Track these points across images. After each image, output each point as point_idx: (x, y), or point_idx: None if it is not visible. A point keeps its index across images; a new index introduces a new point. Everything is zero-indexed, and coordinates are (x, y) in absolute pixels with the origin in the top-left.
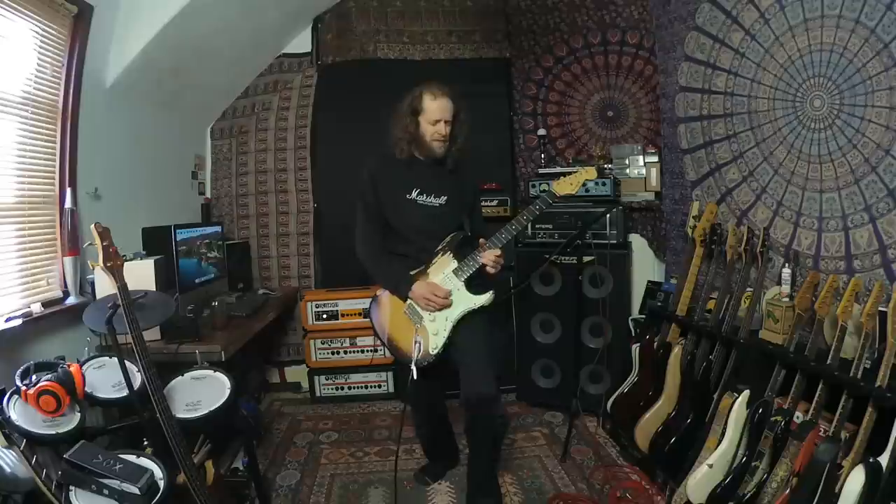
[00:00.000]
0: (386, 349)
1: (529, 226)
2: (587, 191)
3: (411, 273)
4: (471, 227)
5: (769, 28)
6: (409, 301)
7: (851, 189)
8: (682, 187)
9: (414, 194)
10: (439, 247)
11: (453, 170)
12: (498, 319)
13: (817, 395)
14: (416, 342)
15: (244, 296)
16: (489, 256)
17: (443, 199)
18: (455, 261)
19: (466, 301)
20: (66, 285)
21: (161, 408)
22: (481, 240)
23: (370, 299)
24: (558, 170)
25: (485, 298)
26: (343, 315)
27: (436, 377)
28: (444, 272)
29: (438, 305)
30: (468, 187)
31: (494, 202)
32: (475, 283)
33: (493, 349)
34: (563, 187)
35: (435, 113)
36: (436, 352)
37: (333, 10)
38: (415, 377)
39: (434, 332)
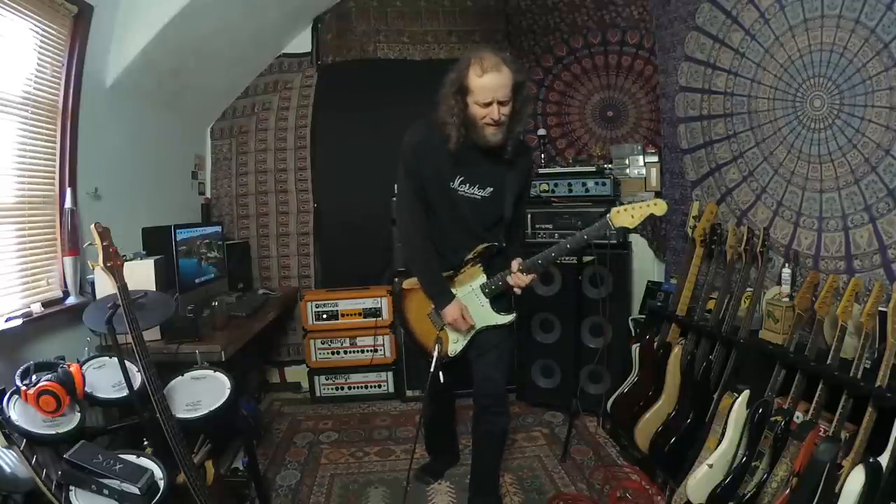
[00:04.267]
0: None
1: (530, 226)
2: (587, 191)
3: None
4: (511, 217)
5: (769, 28)
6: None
7: (851, 189)
8: (682, 187)
9: (456, 183)
10: (469, 255)
11: (511, 159)
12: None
13: (817, 395)
14: (436, 342)
15: (244, 296)
16: (519, 282)
17: (487, 191)
18: (484, 275)
19: (489, 318)
20: (66, 285)
21: (161, 408)
22: (515, 262)
23: (399, 291)
24: (558, 170)
25: (507, 319)
26: (343, 315)
27: (450, 370)
28: (471, 285)
29: (462, 330)
30: (521, 178)
31: None
32: (500, 300)
33: (506, 352)
34: (622, 219)
35: (485, 93)
36: (454, 354)
37: (333, 10)
38: (441, 380)
39: (454, 340)
